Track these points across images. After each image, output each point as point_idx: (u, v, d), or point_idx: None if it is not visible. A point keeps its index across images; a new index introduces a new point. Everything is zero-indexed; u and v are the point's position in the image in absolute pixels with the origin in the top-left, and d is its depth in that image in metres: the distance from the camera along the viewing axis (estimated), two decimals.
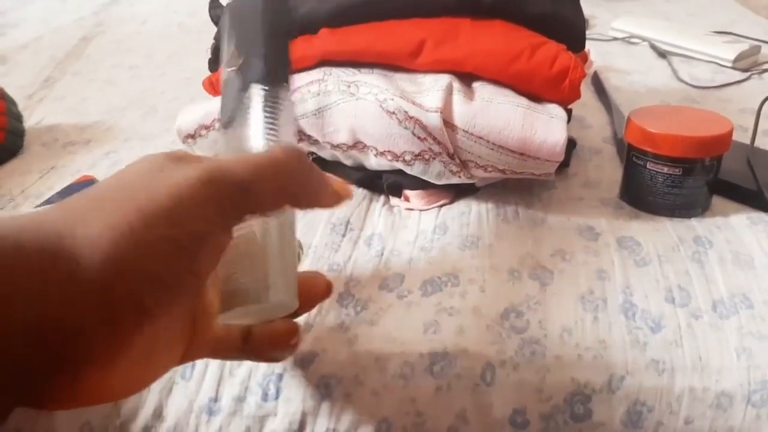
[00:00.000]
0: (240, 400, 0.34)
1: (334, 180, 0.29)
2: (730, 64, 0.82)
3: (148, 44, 1.00)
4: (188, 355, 0.28)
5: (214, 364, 0.36)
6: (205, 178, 0.22)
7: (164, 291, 0.21)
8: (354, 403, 0.34)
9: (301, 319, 0.36)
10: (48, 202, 0.46)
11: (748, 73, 0.79)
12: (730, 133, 0.44)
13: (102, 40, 1.04)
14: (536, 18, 0.48)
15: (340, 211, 0.47)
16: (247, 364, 0.36)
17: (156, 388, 0.35)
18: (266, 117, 0.30)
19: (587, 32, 0.95)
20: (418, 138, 0.44)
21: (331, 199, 0.28)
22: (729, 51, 0.82)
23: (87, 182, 0.47)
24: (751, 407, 0.33)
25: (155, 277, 0.21)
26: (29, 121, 0.69)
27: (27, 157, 0.61)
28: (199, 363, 0.36)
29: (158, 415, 0.34)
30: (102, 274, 0.20)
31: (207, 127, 0.48)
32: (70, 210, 0.21)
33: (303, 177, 0.26)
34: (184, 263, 0.21)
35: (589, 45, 0.56)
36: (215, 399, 0.35)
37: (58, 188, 0.52)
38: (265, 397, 0.34)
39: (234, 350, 0.31)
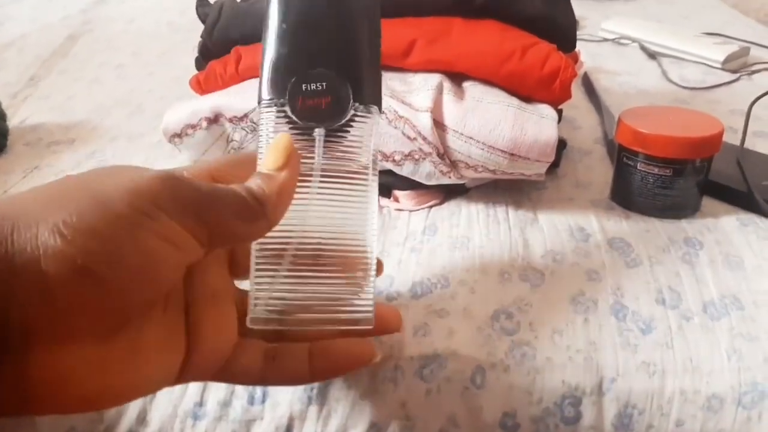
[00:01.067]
0: (226, 404, 0.34)
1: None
2: (719, 66, 0.82)
3: (136, 43, 0.99)
4: (187, 373, 0.26)
5: None
6: (164, 175, 0.23)
7: (104, 256, 0.21)
8: (343, 407, 0.34)
9: None
10: None
11: (738, 75, 0.80)
12: (720, 134, 0.44)
13: (89, 38, 1.02)
14: (528, 18, 0.48)
15: None
16: None
17: None
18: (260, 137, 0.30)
19: (577, 33, 0.96)
20: (408, 138, 0.44)
21: (276, 213, 0.27)
22: (718, 52, 0.83)
23: None
24: (742, 409, 0.33)
25: (93, 241, 0.21)
26: (13, 120, 0.68)
27: (10, 156, 0.60)
28: None
29: (142, 420, 0.34)
30: (37, 246, 0.20)
31: (194, 127, 0.48)
32: (18, 197, 0.22)
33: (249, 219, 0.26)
34: (123, 234, 0.21)
35: (579, 46, 0.56)
36: (200, 403, 0.34)
37: None
38: (251, 401, 0.34)
39: (252, 373, 0.29)
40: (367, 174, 0.30)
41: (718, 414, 0.33)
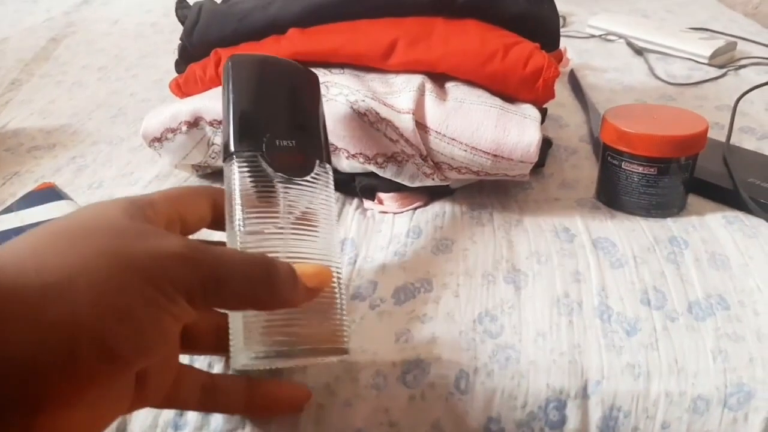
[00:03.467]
0: (207, 414, 0.33)
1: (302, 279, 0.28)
2: (706, 61, 0.82)
3: (119, 45, 0.98)
4: (138, 402, 0.27)
5: None
6: (186, 255, 0.23)
7: (129, 338, 0.21)
8: (326, 414, 0.33)
9: None
10: (8, 210, 0.45)
11: (725, 70, 0.79)
12: (705, 132, 0.44)
13: (71, 41, 1.01)
14: (510, 17, 0.48)
15: None
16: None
17: None
18: (238, 197, 0.30)
19: (564, 30, 0.95)
20: (390, 140, 0.43)
21: (300, 297, 0.28)
22: (705, 47, 0.82)
23: (47, 189, 0.46)
24: (728, 410, 0.33)
25: (122, 324, 0.21)
26: None
27: None
28: None
29: (122, 431, 0.33)
30: (69, 315, 0.20)
31: (173, 131, 0.47)
32: (34, 245, 0.22)
33: (268, 287, 0.26)
34: (149, 318, 0.22)
35: (565, 42, 0.56)
36: (181, 413, 0.33)
37: (21, 195, 0.50)
38: None
39: (191, 401, 0.31)
40: (327, 213, 0.33)
41: (704, 416, 0.33)
